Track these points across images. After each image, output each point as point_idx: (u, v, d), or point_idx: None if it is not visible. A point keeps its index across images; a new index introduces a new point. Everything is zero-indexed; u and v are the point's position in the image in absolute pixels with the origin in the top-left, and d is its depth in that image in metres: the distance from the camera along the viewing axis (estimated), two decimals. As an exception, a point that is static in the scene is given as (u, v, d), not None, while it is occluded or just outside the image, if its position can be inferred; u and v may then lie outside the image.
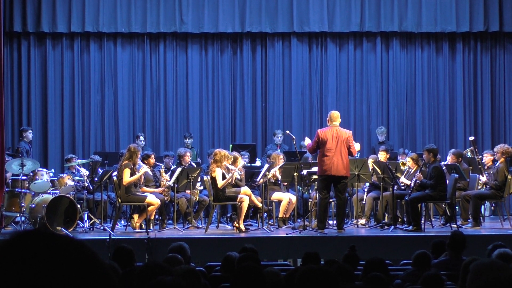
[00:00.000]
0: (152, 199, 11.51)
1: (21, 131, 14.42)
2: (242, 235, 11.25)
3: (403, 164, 12.37)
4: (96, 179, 12.44)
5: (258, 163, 14.08)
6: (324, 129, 11.36)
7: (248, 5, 15.72)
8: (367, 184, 12.89)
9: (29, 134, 14.16)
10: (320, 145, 11.19)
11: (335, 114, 11.45)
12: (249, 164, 13.45)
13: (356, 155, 13.09)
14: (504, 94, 16.36)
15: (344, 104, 16.07)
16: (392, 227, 11.57)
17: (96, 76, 15.91)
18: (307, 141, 11.73)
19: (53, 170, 13.02)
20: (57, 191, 11.90)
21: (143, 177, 11.90)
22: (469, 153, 14.07)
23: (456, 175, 11.98)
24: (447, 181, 11.76)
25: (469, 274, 3.23)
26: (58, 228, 11.07)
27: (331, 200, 11.91)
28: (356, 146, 11.58)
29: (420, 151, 13.51)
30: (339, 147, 11.10)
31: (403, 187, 12.05)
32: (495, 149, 12.62)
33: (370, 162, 12.44)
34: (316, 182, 11.86)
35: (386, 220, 12.09)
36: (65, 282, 1.30)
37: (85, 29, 15.55)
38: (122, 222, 12.92)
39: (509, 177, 12.11)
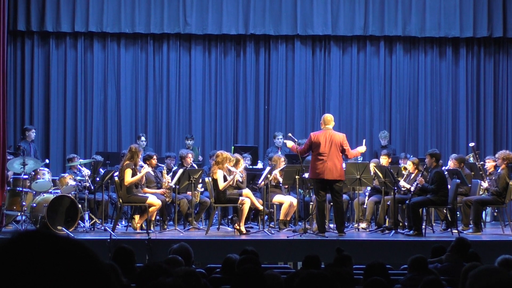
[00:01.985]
0: (153, 200, 11.51)
1: (24, 130, 14.43)
2: (243, 237, 11.25)
3: (405, 169, 12.37)
4: (97, 179, 12.44)
5: (259, 165, 14.07)
6: (317, 133, 11.32)
7: (252, 7, 15.73)
8: (369, 188, 12.89)
9: (32, 134, 14.17)
10: (313, 148, 11.15)
11: (329, 117, 11.39)
12: (250, 167, 13.45)
13: (359, 157, 13.10)
14: (506, 100, 16.36)
15: (346, 107, 16.08)
16: (393, 231, 11.57)
17: (99, 76, 15.93)
18: (290, 144, 11.64)
19: (47, 160, 13.03)
20: (59, 191, 11.91)
21: (144, 177, 11.90)
22: (471, 159, 14.06)
23: (458, 181, 11.97)
24: (449, 186, 11.76)
25: (468, 278, 3.24)
26: (59, 227, 11.08)
27: (330, 204, 11.89)
28: (361, 149, 11.56)
29: (422, 155, 13.50)
30: (333, 151, 11.05)
31: (403, 191, 12.04)
32: (496, 155, 12.62)
33: (371, 166, 12.44)
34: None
35: (387, 225, 12.08)
36: (65, 282, 1.30)
37: (88, 29, 15.57)
38: (123, 222, 12.92)
39: (510, 183, 12.10)
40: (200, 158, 14.83)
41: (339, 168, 11.12)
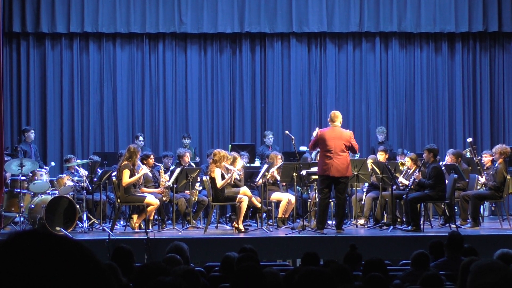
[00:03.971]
0: (151, 200, 11.51)
1: (22, 131, 14.43)
2: (241, 235, 11.25)
3: (402, 164, 12.37)
4: (95, 179, 12.44)
5: (257, 163, 14.08)
6: (325, 129, 11.36)
7: (247, 5, 15.72)
8: (366, 184, 12.90)
9: (31, 135, 14.18)
10: (320, 145, 11.19)
11: (336, 114, 11.44)
12: (248, 165, 13.45)
13: (356, 154, 13.11)
14: (503, 94, 16.37)
15: (343, 104, 16.07)
16: (391, 227, 11.58)
17: (95, 77, 15.92)
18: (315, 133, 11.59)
19: (53, 163, 13.08)
20: (56, 192, 11.90)
21: (142, 177, 11.89)
22: (468, 153, 14.07)
23: (455, 175, 11.98)
24: (446, 181, 11.77)
25: (470, 274, 3.24)
26: (57, 228, 11.07)
27: (330, 200, 11.91)
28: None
29: (419, 151, 13.51)
30: (340, 148, 11.09)
31: (401, 187, 12.05)
32: (493, 150, 12.61)
33: (369, 162, 12.45)
34: (316, 182, 11.86)
35: (385, 220, 12.09)
36: (63, 282, 1.30)
37: (84, 30, 15.55)
38: (121, 222, 12.91)
39: (508, 177, 12.11)
40: (197, 159, 14.81)
41: (346, 165, 11.15)
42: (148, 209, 11.49)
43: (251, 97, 16.19)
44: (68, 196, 11.65)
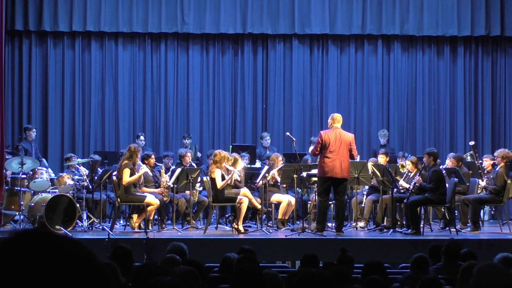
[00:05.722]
0: (151, 199, 11.51)
1: (24, 129, 14.43)
2: (241, 236, 11.25)
3: (402, 166, 12.36)
4: (95, 178, 12.44)
5: (258, 164, 14.07)
6: (327, 131, 11.35)
7: (250, 6, 15.73)
8: (367, 187, 12.89)
9: (33, 133, 14.17)
10: (322, 147, 11.18)
11: (338, 117, 11.45)
12: (248, 166, 13.44)
13: (356, 158, 13.11)
14: (504, 99, 16.36)
15: (344, 106, 16.07)
16: (391, 230, 11.57)
17: (97, 76, 15.92)
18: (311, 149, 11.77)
19: (50, 171, 13.06)
20: (57, 190, 11.89)
21: (142, 177, 11.89)
22: (468, 157, 14.07)
23: (456, 179, 11.98)
24: (447, 185, 11.76)
25: (474, 276, 3.23)
26: (57, 227, 11.06)
27: (330, 202, 11.90)
28: None
29: (420, 154, 13.50)
30: (342, 150, 11.09)
31: (402, 191, 12.04)
32: (495, 154, 12.61)
33: (369, 165, 12.44)
34: (316, 184, 11.85)
35: (385, 223, 12.08)
36: (62, 281, 1.30)
37: (86, 28, 15.56)
38: (121, 221, 12.91)
39: (508, 181, 12.11)
40: (199, 154, 14.84)
41: (347, 167, 11.17)
42: (148, 209, 11.48)
43: (253, 98, 16.19)
44: (68, 195, 11.65)
